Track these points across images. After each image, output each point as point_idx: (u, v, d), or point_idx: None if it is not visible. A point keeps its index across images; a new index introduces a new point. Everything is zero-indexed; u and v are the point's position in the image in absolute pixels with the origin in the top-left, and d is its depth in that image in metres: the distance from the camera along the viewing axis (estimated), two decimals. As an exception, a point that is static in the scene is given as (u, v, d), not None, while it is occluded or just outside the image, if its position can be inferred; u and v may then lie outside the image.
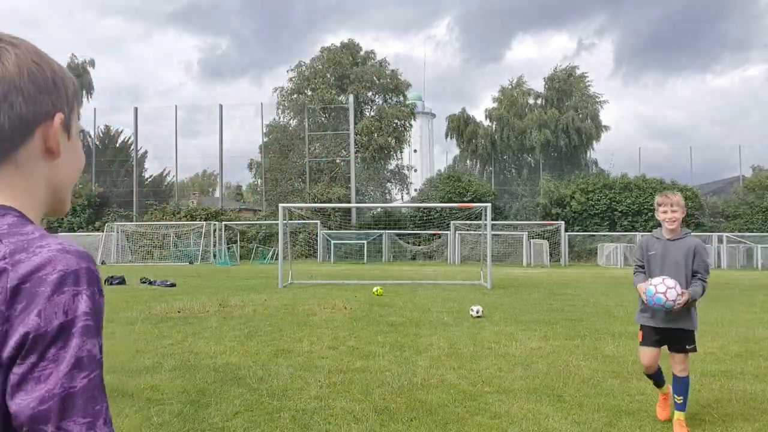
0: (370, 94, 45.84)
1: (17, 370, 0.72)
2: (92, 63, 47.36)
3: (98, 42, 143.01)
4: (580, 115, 42.32)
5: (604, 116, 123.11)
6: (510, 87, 44.36)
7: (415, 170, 55.01)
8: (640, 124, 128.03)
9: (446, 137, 45.94)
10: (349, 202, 37.38)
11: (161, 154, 53.87)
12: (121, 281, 17.00)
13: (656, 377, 4.60)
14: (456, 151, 46.95)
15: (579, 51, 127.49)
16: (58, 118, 0.86)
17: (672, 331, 4.35)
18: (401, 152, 46.99)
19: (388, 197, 46.88)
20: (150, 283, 17.03)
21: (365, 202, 41.14)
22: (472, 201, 34.69)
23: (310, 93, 43.59)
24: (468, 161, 45.40)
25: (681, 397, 4.35)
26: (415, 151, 70.43)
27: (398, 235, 35.92)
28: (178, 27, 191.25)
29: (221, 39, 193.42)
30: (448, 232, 33.83)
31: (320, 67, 44.77)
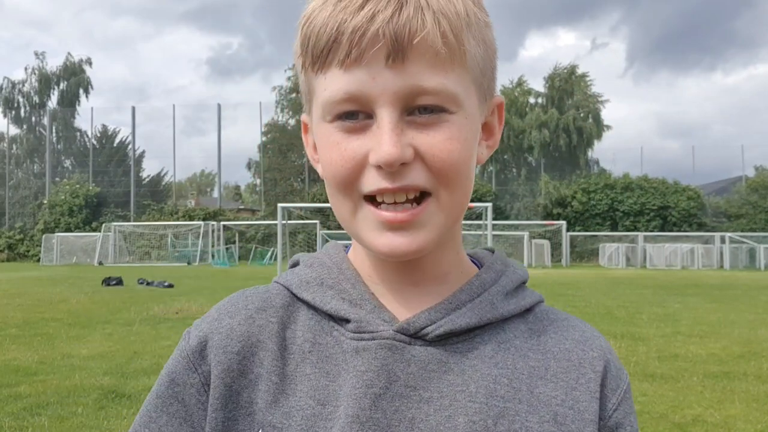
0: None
1: None
2: (89, 62, 47.35)
3: (108, 41, 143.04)
4: (582, 115, 42.31)
5: (615, 115, 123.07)
6: (511, 87, 44.37)
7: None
8: (652, 122, 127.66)
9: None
10: (349, 202, 37.28)
11: (165, 153, 53.96)
12: (119, 282, 16.95)
13: None
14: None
15: (592, 51, 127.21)
16: None
17: None
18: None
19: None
20: (148, 283, 16.98)
21: (365, 203, 41.09)
22: (472, 201, 34.55)
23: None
24: (468, 161, 45.35)
25: None
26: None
27: (398, 235, 35.78)
28: (189, 26, 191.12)
29: (232, 38, 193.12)
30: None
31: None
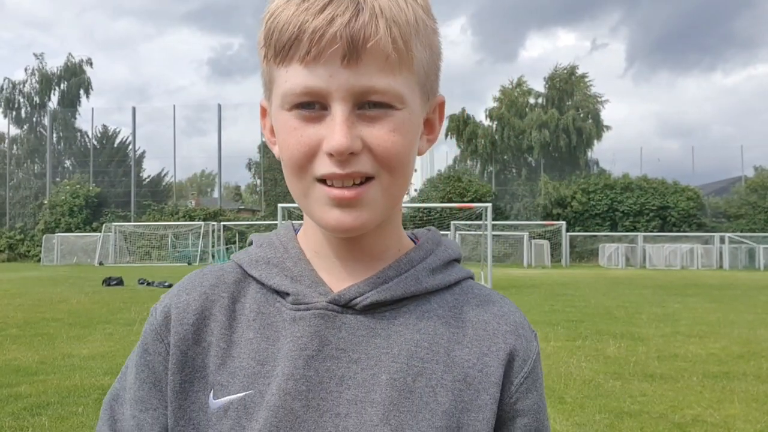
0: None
1: None
2: (90, 62, 47.34)
3: (109, 42, 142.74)
4: (581, 115, 42.29)
5: (615, 115, 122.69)
6: (510, 87, 44.34)
7: (416, 170, 55.03)
8: (652, 122, 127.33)
9: (446, 137, 45.90)
10: (349, 202, 37.25)
11: (165, 154, 53.95)
12: (119, 282, 16.96)
13: None
14: (456, 151, 46.92)
15: (592, 51, 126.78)
16: None
17: None
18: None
19: (387, 197, 46.81)
20: (148, 283, 16.99)
21: (365, 203, 41.05)
22: (472, 201, 34.66)
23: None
24: (468, 161, 45.36)
25: None
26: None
27: (398, 235, 35.73)
28: (191, 26, 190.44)
29: (233, 39, 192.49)
30: (449, 232, 33.76)
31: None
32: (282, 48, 0.61)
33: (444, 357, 0.67)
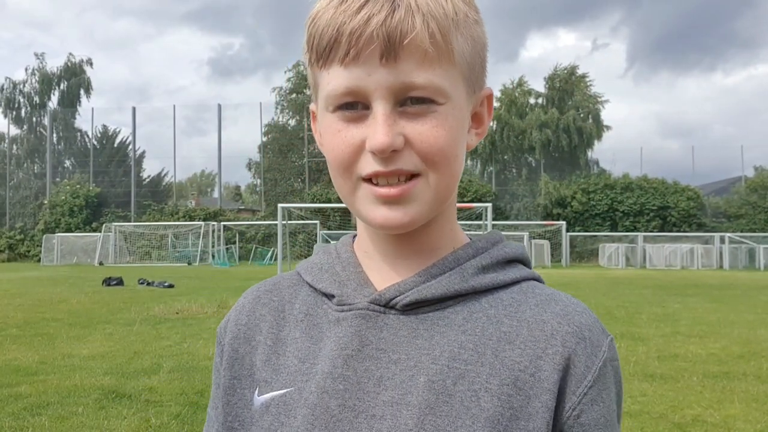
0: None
1: None
2: (90, 62, 47.34)
3: (109, 42, 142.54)
4: (582, 115, 42.26)
5: (615, 115, 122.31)
6: (511, 87, 44.32)
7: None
8: (652, 122, 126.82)
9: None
10: (349, 202, 37.23)
11: (166, 154, 54.01)
12: (119, 282, 16.96)
13: None
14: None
15: (592, 51, 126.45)
16: None
17: None
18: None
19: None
20: (148, 284, 16.99)
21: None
22: (472, 201, 34.65)
23: (309, 92, 43.56)
24: (468, 161, 45.35)
25: None
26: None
27: (398, 235, 35.73)
28: (191, 26, 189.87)
29: (233, 39, 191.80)
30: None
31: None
32: (323, 51, 0.61)
33: (491, 359, 0.62)
